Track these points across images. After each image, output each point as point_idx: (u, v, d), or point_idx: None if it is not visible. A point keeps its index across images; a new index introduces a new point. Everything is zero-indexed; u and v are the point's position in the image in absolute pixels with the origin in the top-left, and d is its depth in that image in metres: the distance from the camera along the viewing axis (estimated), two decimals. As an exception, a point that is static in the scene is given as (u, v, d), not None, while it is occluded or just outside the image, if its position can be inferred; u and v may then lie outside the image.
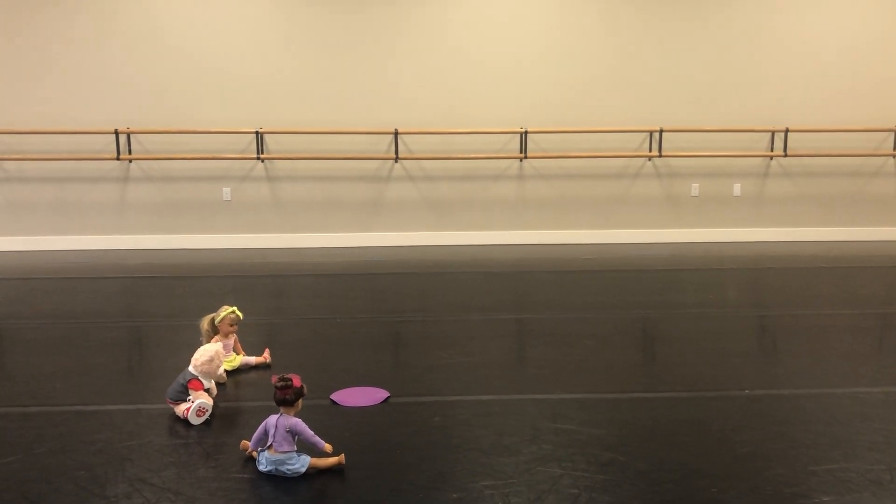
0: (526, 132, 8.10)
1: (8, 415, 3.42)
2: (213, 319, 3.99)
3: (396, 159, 8.13)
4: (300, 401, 2.87)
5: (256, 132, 7.95)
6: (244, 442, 2.97)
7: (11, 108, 7.84)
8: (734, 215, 8.54)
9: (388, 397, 3.59)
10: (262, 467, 2.81)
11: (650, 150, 8.28)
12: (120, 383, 3.88)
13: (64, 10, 7.77)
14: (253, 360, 4.10)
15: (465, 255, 7.67)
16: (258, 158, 8.03)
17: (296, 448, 2.82)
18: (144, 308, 5.73)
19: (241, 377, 3.95)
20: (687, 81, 8.26)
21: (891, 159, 8.53)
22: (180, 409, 3.32)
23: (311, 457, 2.82)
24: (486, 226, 8.36)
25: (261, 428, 2.85)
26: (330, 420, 3.28)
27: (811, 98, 8.34)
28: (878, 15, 8.27)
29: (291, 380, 2.85)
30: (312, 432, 2.83)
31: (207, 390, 3.42)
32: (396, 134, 8.04)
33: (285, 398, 2.82)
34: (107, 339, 4.69)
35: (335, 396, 3.58)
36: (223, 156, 7.99)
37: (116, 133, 7.82)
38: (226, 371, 3.88)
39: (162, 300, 5.90)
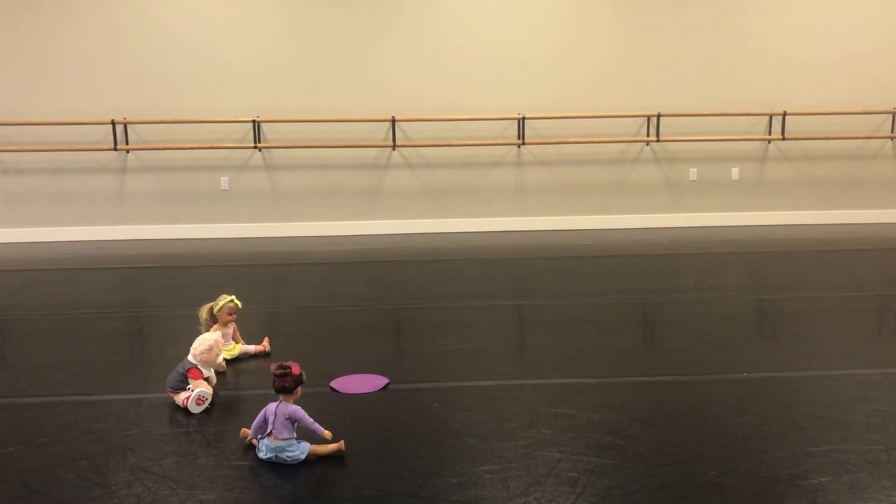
0: (524, 118, 8.08)
1: (9, 405, 3.43)
2: (211, 309, 3.99)
3: (394, 147, 8.11)
4: (299, 388, 2.88)
5: (253, 121, 7.93)
6: (244, 430, 2.98)
7: (8, 100, 7.82)
8: (732, 199, 8.53)
9: (388, 384, 3.59)
10: (262, 455, 2.82)
11: (648, 135, 8.27)
12: (120, 373, 3.88)
13: (60, 1, 7.73)
14: (252, 348, 4.11)
15: (464, 242, 7.67)
16: (255, 147, 8.01)
17: (295, 435, 2.83)
18: (143, 298, 5.74)
19: (241, 366, 3.96)
20: (685, 65, 8.23)
21: (889, 142, 8.52)
22: (180, 398, 3.33)
23: (311, 444, 2.83)
24: (484, 213, 8.35)
25: (260, 415, 2.86)
26: (329, 407, 3.29)
27: (809, 81, 8.31)
28: (876, -4, 8.24)
29: (290, 367, 2.85)
30: (312, 419, 2.84)
31: (207, 379, 3.43)
32: (394, 121, 8.02)
33: (284, 386, 2.83)
34: (106, 329, 4.69)
35: (335, 384, 3.59)
36: (220, 145, 7.97)
37: (113, 123, 7.80)
38: (225, 360, 3.89)
39: (160, 290, 5.91)
